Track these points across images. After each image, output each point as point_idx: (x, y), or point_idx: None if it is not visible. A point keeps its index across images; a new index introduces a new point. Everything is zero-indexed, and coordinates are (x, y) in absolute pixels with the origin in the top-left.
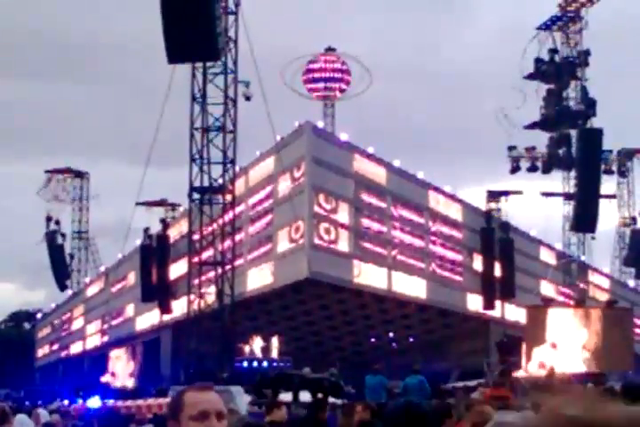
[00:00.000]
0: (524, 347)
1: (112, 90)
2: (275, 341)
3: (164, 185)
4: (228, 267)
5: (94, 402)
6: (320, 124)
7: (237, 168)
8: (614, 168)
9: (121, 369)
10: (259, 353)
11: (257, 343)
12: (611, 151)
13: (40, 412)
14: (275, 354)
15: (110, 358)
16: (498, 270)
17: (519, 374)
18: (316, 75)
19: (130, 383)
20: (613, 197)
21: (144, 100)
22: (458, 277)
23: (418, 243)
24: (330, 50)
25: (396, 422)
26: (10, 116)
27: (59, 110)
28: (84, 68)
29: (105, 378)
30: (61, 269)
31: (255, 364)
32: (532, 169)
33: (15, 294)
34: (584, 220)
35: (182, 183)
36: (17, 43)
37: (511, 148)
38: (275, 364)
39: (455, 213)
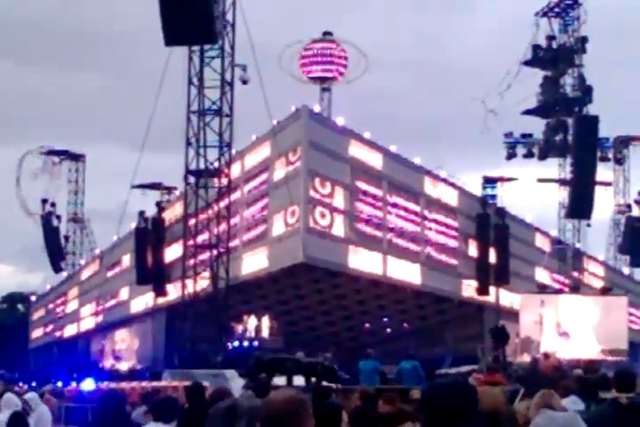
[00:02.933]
0: (517, 333)
1: (109, 74)
2: (266, 320)
3: (160, 168)
4: (222, 250)
5: (88, 384)
6: (316, 109)
7: (233, 152)
8: (610, 155)
9: (126, 350)
10: (251, 332)
11: (250, 323)
12: (607, 138)
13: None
14: (266, 333)
15: (115, 341)
16: (493, 256)
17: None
18: (313, 59)
19: (136, 364)
20: (609, 184)
21: (141, 84)
22: (453, 263)
23: (413, 228)
24: (327, 34)
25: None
26: (9, 101)
27: (56, 95)
28: (80, 53)
29: (108, 362)
30: (56, 252)
31: (246, 344)
32: (528, 155)
33: (14, 277)
34: (579, 206)
35: (178, 167)
36: (15, 28)
37: (507, 134)
38: (265, 344)
39: (451, 198)
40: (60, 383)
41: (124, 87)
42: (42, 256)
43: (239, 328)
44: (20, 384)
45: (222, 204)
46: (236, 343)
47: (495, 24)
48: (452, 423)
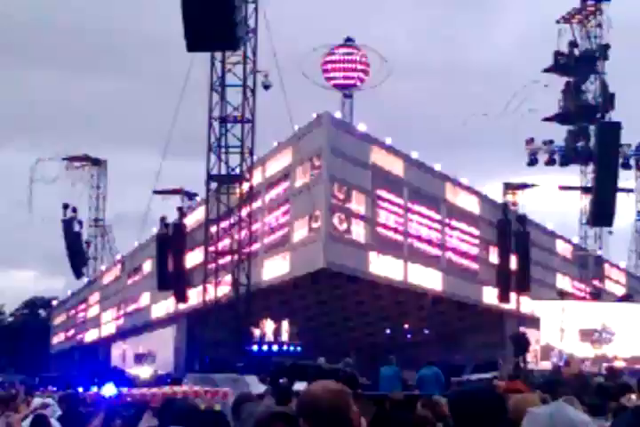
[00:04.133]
0: (537, 340)
1: (132, 79)
2: (285, 324)
3: (181, 174)
4: (244, 256)
5: (109, 389)
6: (338, 115)
7: (255, 158)
8: (632, 162)
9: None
10: (270, 336)
11: (268, 326)
12: (629, 145)
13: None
14: (285, 338)
15: (136, 347)
16: (514, 263)
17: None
18: (335, 65)
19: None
20: (631, 191)
21: (164, 90)
22: (474, 269)
23: (434, 235)
24: (349, 40)
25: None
26: (29, 105)
27: (78, 100)
28: (105, 58)
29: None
30: (78, 257)
31: (265, 348)
32: (550, 162)
33: (36, 282)
34: (601, 214)
35: (200, 173)
36: (38, 30)
37: (529, 140)
38: (285, 348)
39: (472, 205)
40: (80, 389)
41: (147, 92)
42: (64, 262)
43: (257, 332)
44: (41, 389)
45: (244, 210)
46: (255, 347)
47: (521, 29)
48: None
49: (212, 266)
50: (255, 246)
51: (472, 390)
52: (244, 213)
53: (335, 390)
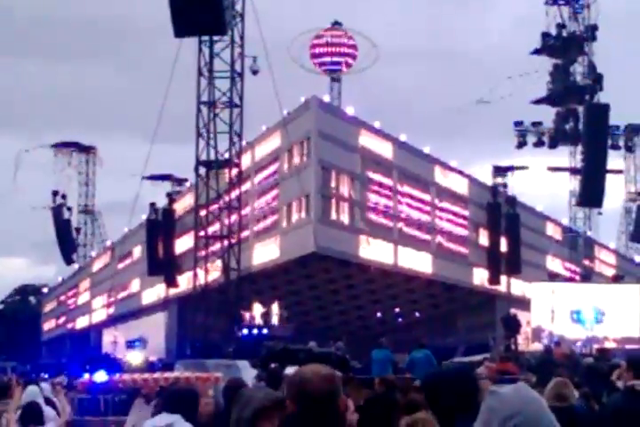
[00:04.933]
0: (528, 322)
1: (120, 65)
2: (275, 307)
3: (170, 160)
4: (234, 241)
5: (100, 376)
6: (326, 99)
7: (244, 143)
8: (621, 143)
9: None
10: (260, 320)
11: (255, 310)
12: (618, 126)
13: (43, 386)
14: (275, 321)
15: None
16: (504, 245)
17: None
18: (323, 49)
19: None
20: (620, 172)
21: (152, 75)
22: (464, 252)
23: (424, 218)
24: (336, 24)
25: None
26: (16, 92)
27: (66, 86)
28: (92, 45)
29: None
30: (68, 244)
31: (255, 331)
32: (539, 144)
33: (27, 269)
34: (590, 195)
35: (189, 158)
36: (25, 19)
37: (517, 123)
38: (275, 331)
39: (461, 188)
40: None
41: (135, 78)
42: (54, 249)
43: (247, 316)
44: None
45: (233, 194)
46: (245, 331)
47: (509, 12)
48: (452, 415)
49: (202, 251)
50: (245, 231)
51: (442, 372)
52: (233, 197)
53: (325, 374)
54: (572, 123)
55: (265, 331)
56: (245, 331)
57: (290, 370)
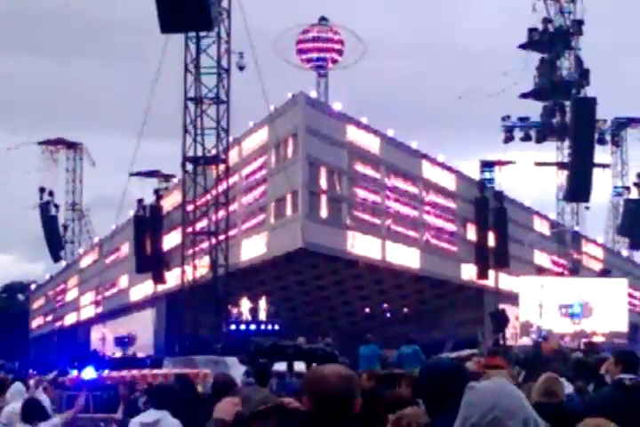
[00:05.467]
0: (516, 317)
1: (106, 61)
2: (262, 303)
3: (157, 156)
4: (221, 237)
5: (89, 373)
6: (313, 95)
7: (231, 138)
8: (608, 137)
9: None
10: (247, 316)
11: (244, 305)
12: (605, 121)
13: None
14: (263, 316)
15: (116, 329)
16: (491, 240)
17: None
18: (309, 45)
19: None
20: (607, 166)
21: (139, 71)
22: (452, 247)
23: (412, 213)
24: (323, 19)
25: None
26: (3, 91)
27: (52, 83)
28: (78, 41)
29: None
30: (55, 241)
31: (243, 327)
32: (526, 139)
33: (15, 266)
34: (578, 189)
35: (176, 154)
36: (10, 15)
37: (505, 117)
38: (263, 327)
39: (449, 182)
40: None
41: (121, 75)
42: (42, 246)
43: (234, 311)
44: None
45: (220, 190)
46: (233, 327)
47: (496, 9)
48: (443, 407)
49: (190, 248)
50: (233, 227)
51: (431, 364)
52: (220, 192)
53: (344, 374)
54: (559, 117)
55: (253, 327)
56: (233, 326)
57: (278, 366)
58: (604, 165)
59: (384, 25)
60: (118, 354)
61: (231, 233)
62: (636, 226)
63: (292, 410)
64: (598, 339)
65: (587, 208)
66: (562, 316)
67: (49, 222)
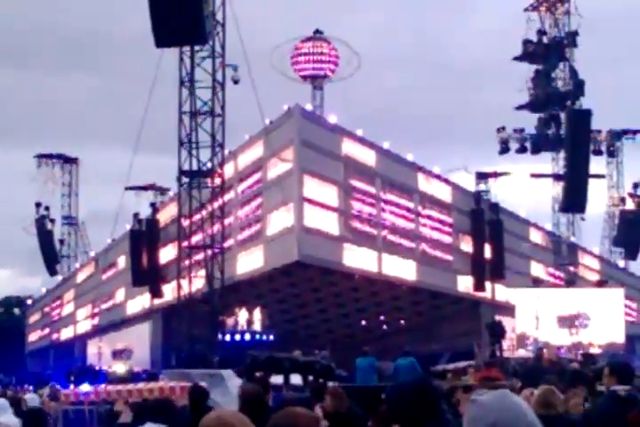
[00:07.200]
0: (513, 328)
1: (101, 76)
2: (257, 313)
3: (153, 170)
4: (217, 251)
5: (85, 387)
6: (309, 107)
7: (226, 152)
8: (603, 148)
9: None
10: (243, 326)
11: (241, 316)
12: (600, 131)
13: (27, 397)
14: (258, 327)
15: (112, 344)
16: (487, 252)
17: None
18: (304, 58)
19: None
20: (602, 177)
21: (134, 85)
22: (448, 259)
23: (407, 225)
24: (318, 32)
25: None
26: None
27: (48, 97)
28: (73, 55)
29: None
30: (51, 255)
31: (238, 337)
32: (521, 150)
33: (12, 281)
34: (573, 200)
35: (171, 168)
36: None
37: (500, 129)
38: (258, 336)
39: (444, 194)
40: (57, 386)
41: (116, 89)
42: (39, 260)
43: (230, 321)
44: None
45: (216, 204)
46: (228, 337)
47: (491, 22)
48: (418, 423)
49: (185, 261)
50: (229, 240)
51: (400, 385)
52: (216, 206)
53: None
54: (555, 129)
55: (248, 337)
56: (228, 337)
57: (275, 379)
58: (600, 176)
59: (379, 38)
60: (118, 367)
61: (227, 246)
62: (632, 237)
63: None
64: (595, 350)
65: (582, 219)
66: (560, 327)
67: (45, 237)
